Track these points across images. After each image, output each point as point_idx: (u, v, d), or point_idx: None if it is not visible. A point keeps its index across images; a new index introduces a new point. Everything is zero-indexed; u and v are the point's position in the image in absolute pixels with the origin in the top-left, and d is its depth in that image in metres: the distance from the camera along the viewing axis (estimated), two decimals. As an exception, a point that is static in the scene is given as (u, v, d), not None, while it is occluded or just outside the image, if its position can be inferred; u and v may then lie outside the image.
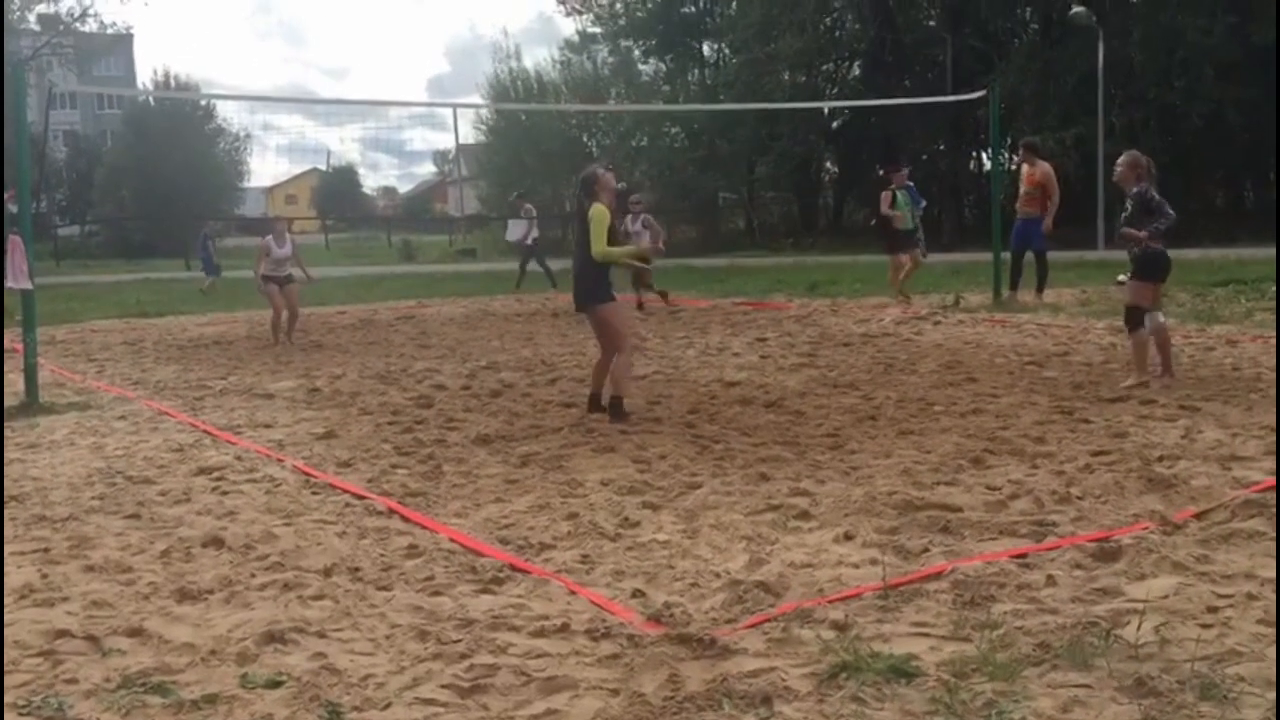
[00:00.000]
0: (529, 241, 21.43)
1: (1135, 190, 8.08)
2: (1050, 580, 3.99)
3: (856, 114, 35.58)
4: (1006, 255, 14.74)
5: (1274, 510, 4.66)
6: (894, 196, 14.79)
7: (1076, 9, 25.16)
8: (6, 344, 13.35)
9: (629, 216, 15.01)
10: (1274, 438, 6.10)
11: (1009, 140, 25.78)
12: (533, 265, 21.06)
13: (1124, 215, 8.26)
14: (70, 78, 42.49)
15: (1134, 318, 8.13)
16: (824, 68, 39.32)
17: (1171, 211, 8.04)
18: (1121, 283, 11.69)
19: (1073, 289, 14.73)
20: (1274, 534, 4.38)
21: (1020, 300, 14.06)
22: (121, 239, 51.56)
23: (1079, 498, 5.14)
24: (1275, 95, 24.85)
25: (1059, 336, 11.02)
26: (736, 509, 5.18)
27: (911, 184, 15.33)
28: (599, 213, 7.40)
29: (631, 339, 8.00)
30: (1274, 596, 3.72)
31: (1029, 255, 14.38)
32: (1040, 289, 14.19)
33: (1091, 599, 3.82)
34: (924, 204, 14.90)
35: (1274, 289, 12.88)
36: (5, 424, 8.08)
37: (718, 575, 4.24)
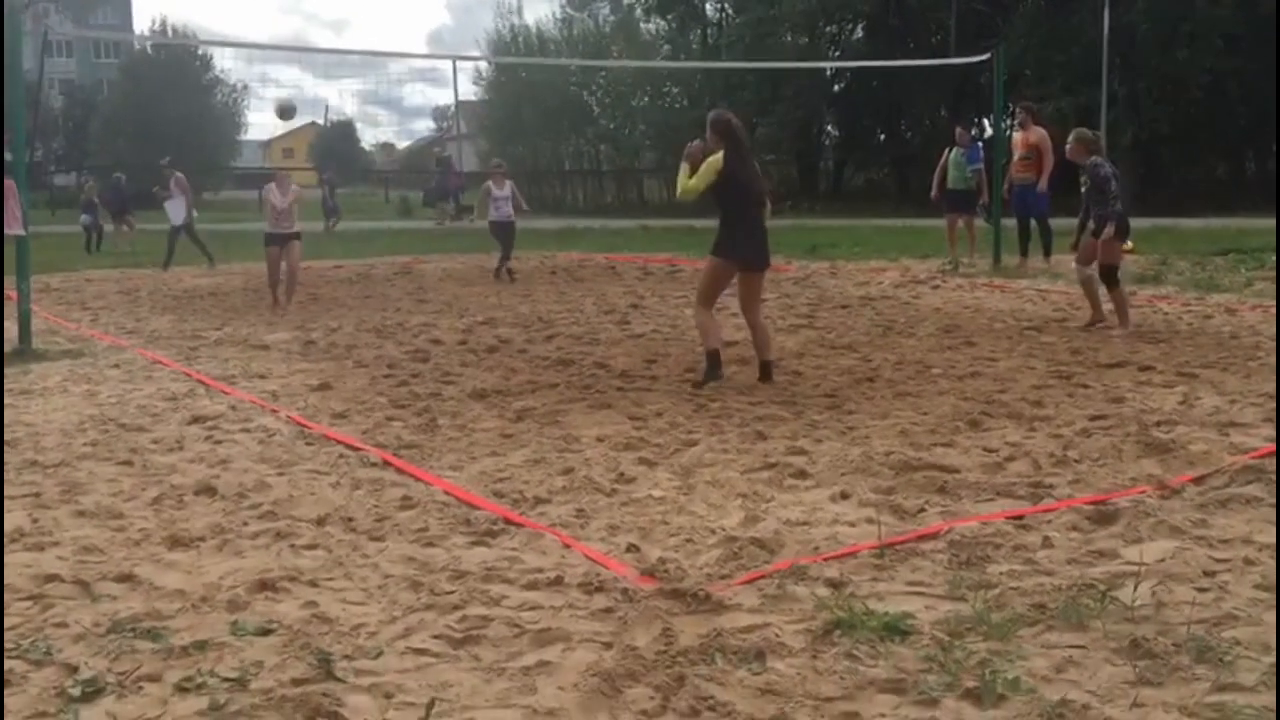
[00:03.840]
0: (190, 216, 18.11)
1: (1089, 163, 8.81)
2: (1046, 542, 3.97)
3: (859, 77, 35.32)
4: (1007, 221, 14.66)
5: (1272, 476, 4.65)
6: (947, 155, 14.82)
7: (1083, -26, 24.94)
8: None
9: (490, 182, 15.71)
10: (1273, 405, 6.08)
11: (1011, 107, 25.59)
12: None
13: (1084, 189, 8.98)
14: (67, 24, 42.01)
15: (1112, 276, 8.92)
16: (827, 29, 39.00)
17: (1117, 187, 8.72)
18: (1130, 250, 11.66)
19: (1071, 255, 14.63)
20: (1272, 500, 4.36)
21: (1031, 267, 13.97)
22: (117, 189, 51.34)
23: (1076, 461, 5.12)
24: (1276, 66, 24.68)
25: (1058, 302, 10.97)
26: (733, 466, 5.15)
27: (980, 144, 15.30)
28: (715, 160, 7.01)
29: None
30: (1271, 561, 3.71)
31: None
32: (1047, 254, 14.10)
33: (1088, 561, 3.80)
34: (978, 166, 14.77)
35: (1274, 258, 12.82)
36: (-2, 370, 8.05)
37: (713, 531, 4.22)
